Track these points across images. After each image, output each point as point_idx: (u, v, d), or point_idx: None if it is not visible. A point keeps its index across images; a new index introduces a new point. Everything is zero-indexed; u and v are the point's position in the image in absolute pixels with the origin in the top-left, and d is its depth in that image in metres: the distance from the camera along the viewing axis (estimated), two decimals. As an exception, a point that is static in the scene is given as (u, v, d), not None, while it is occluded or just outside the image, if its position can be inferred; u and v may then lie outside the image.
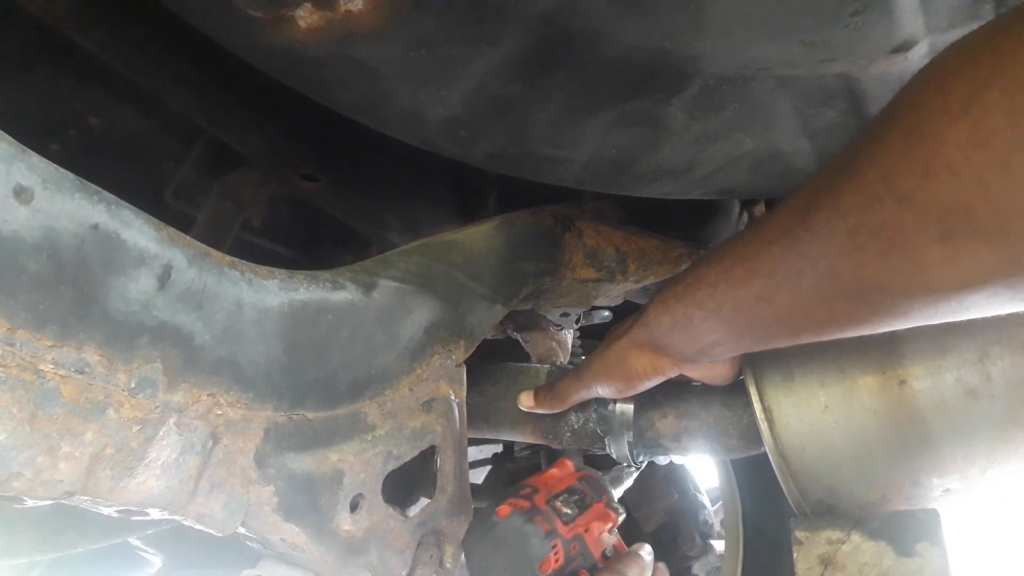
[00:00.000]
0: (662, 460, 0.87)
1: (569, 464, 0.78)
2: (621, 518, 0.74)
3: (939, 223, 0.39)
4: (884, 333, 0.51)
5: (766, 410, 0.69)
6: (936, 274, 0.41)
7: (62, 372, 0.38)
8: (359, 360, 0.57)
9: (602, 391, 0.77)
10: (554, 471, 0.77)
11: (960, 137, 0.37)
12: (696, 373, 0.73)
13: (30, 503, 0.39)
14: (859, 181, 0.43)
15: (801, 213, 0.48)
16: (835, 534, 0.65)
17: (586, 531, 0.70)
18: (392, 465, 0.59)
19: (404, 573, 0.60)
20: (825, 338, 0.54)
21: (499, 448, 1.70)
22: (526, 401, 0.83)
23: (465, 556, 0.69)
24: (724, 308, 0.58)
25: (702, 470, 2.00)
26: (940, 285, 0.42)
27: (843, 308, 0.49)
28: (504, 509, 0.68)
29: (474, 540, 0.68)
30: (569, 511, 0.70)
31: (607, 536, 0.72)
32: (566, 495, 0.73)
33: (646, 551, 0.73)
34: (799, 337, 0.56)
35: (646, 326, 0.69)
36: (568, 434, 0.85)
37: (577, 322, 1.04)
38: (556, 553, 0.66)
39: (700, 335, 0.63)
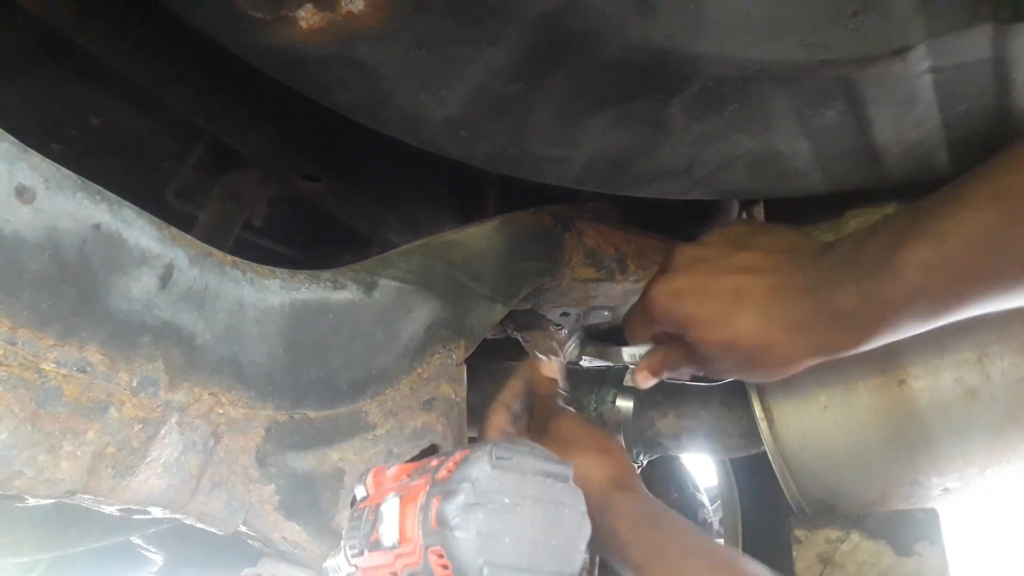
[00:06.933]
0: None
1: None
2: None
3: None
4: None
5: (766, 409, 0.69)
6: None
7: (64, 371, 0.39)
8: (360, 359, 0.58)
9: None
10: None
11: None
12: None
13: (32, 502, 0.39)
14: None
15: None
16: (834, 533, 0.65)
17: None
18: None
19: (404, 572, 0.60)
20: None
21: (499, 447, 1.70)
22: (644, 380, 0.64)
23: None
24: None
25: (701, 468, 2.00)
26: None
27: None
28: None
29: None
30: None
31: None
32: None
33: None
34: None
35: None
36: (568, 433, 0.85)
37: (577, 322, 1.04)
38: None
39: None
